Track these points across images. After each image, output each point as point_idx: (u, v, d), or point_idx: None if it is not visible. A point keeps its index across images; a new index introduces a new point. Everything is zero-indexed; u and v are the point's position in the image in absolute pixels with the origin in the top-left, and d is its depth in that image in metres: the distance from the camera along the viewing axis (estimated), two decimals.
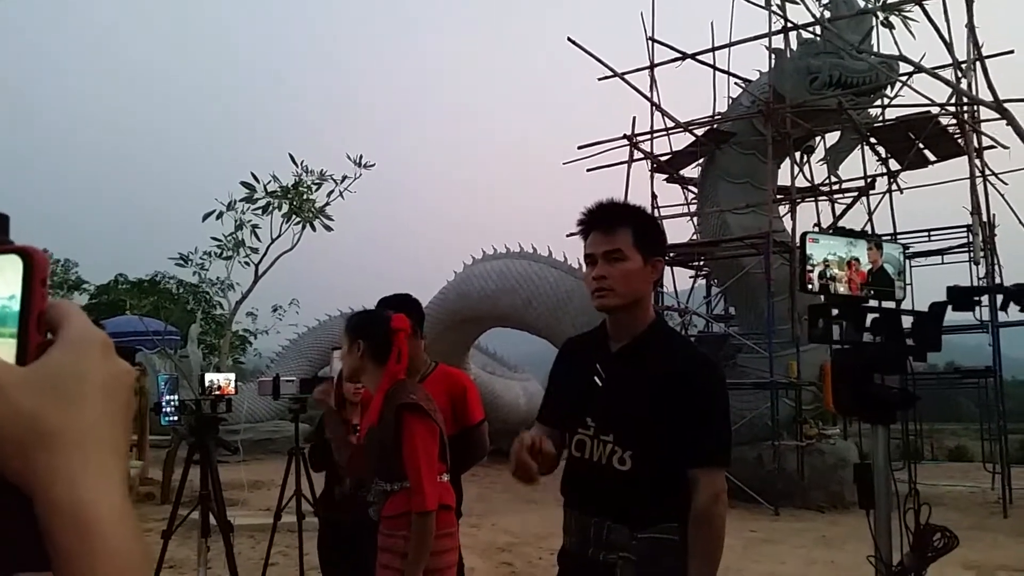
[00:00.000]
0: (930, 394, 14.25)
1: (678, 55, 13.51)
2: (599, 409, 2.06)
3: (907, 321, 2.47)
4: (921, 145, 12.15)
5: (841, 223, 12.74)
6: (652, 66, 13.41)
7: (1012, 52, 11.18)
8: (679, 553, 1.91)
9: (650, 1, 13.49)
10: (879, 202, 12.87)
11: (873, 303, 2.50)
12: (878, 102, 12.44)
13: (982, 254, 11.13)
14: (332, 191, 14.25)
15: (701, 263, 13.85)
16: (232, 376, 4.92)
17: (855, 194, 12.94)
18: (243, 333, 20.86)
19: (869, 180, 12.87)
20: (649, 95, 13.25)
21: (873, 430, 2.50)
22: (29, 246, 0.46)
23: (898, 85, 11.49)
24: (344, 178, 14.24)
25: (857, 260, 2.45)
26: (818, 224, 13.12)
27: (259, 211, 13.66)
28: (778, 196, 12.47)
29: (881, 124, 12.52)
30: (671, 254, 12.30)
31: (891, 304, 2.53)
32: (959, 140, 11.80)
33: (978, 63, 7.59)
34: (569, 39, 13.18)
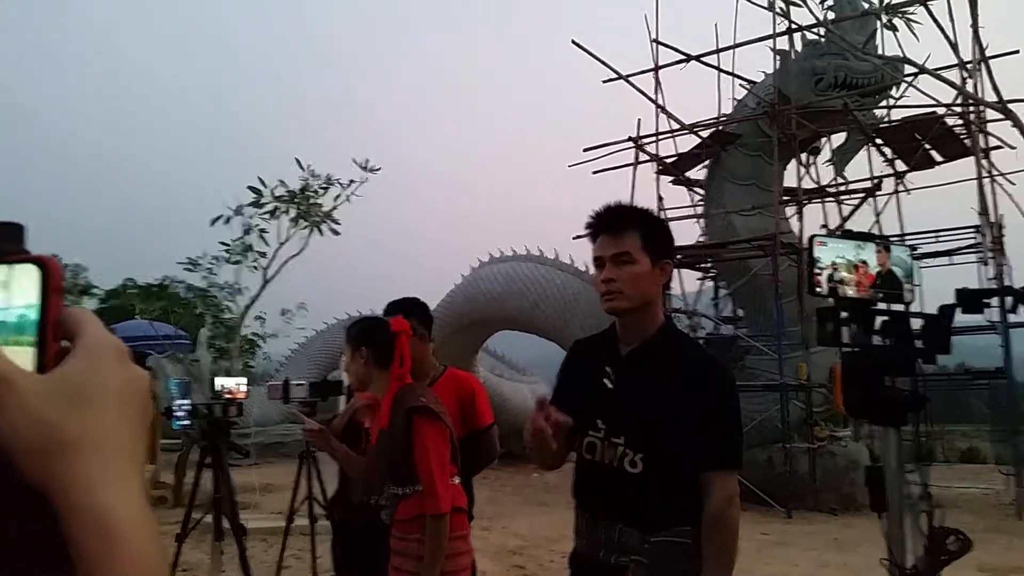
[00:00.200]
0: (941, 395, 14.19)
1: (682, 57, 13.52)
2: (609, 411, 2.06)
3: (916, 323, 2.47)
4: (927, 146, 12.11)
5: (848, 224, 12.71)
6: (656, 68, 13.42)
7: (1017, 52, 11.15)
8: (691, 557, 1.91)
9: (654, 3, 13.50)
10: (886, 203, 12.85)
11: (882, 306, 2.49)
12: (883, 103, 12.42)
13: (990, 254, 11.09)
14: (339, 195, 14.29)
15: (708, 265, 13.83)
16: (243, 380, 4.95)
17: (862, 195, 12.90)
18: (252, 337, 20.91)
19: (876, 181, 12.84)
20: (654, 97, 13.26)
21: (884, 432, 2.50)
22: (45, 255, 0.47)
23: (903, 86, 11.47)
24: (351, 182, 14.27)
25: (865, 263, 2.45)
26: (825, 225, 13.08)
27: (267, 215, 13.70)
28: (784, 198, 12.44)
29: (887, 125, 12.49)
30: (678, 256, 12.28)
31: (900, 307, 2.52)
32: (966, 140, 11.76)
33: (983, 64, 7.57)
34: (573, 42, 13.20)
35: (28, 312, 0.46)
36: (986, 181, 11.16)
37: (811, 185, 13.05)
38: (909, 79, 10.45)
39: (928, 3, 7.20)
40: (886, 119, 12.61)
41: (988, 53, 7.67)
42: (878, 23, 10.85)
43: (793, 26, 11.93)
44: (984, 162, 11.23)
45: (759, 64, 13.86)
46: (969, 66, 10.18)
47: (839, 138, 12.77)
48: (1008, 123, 5.56)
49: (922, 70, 5.84)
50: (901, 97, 12.06)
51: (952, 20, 9.13)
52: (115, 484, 0.44)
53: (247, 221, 13.62)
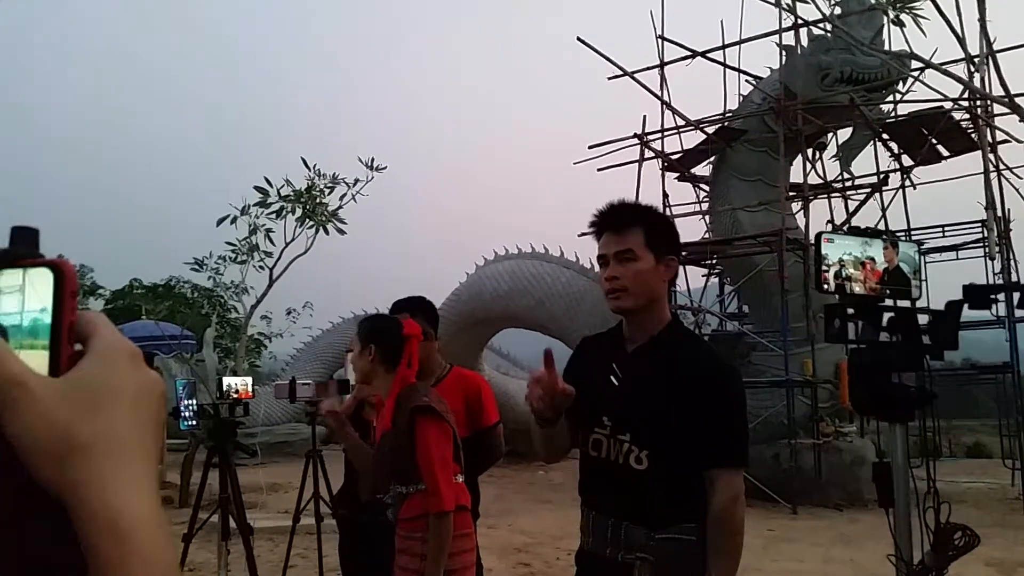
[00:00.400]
0: (947, 390, 14.16)
1: (688, 53, 13.49)
2: (615, 408, 2.06)
3: (923, 318, 2.46)
4: (934, 141, 12.07)
5: (854, 220, 12.69)
6: (662, 64, 13.39)
7: None
8: (697, 553, 1.92)
9: None
10: (892, 198, 12.80)
11: (889, 302, 2.49)
12: (890, 98, 12.37)
13: (997, 249, 11.05)
14: (344, 194, 14.30)
15: (714, 261, 13.81)
16: (249, 380, 4.96)
17: (868, 190, 12.86)
18: (258, 336, 20.94)
19: (882, 176, 12.79)
20: (659, 93, 13.23)
21: (891, 428, 2.49)
22: (59, 259, 0.47)
23: (910, 80, 11.42)
24: (356, 181, 14.28)
25: (872, 259, 2.44)
26: (831, 221, 13.05)
27: (273, 215, 13.71)
28: (790, 193, 12.41)
29: (893, 120, 12.44)
30: (684, 253, 12.26)
31: (907, 303, 2.51)
32: (972, 135, 11.71)
33: (990, 58, 7.53)
34: (579, 39, 13.17)
35: (42, 316, 0.46)
36: (993, 176, 11.12)
37: (817, 181, 13.02)
38: (916, 74, 10.43)
39: None
40: (893, 114, 12.56)
41: (995, 47, 7.63)
42: (885, 18, 10.81)
43: (799, 22, 11.90)
44: (991, 157, 11.18)
45: (765, 60, 13.86)
46: (976, 60, 10.13)
47: (845, 133, 12.73)
48: (1015, 117, 5.53)
49: (929, 65, 5.81)
50: (908, 92, 12.03)
51: (959, 14, 9.09)
52: (128, 486, 0.45)
53: (253, 221, 13.64)
